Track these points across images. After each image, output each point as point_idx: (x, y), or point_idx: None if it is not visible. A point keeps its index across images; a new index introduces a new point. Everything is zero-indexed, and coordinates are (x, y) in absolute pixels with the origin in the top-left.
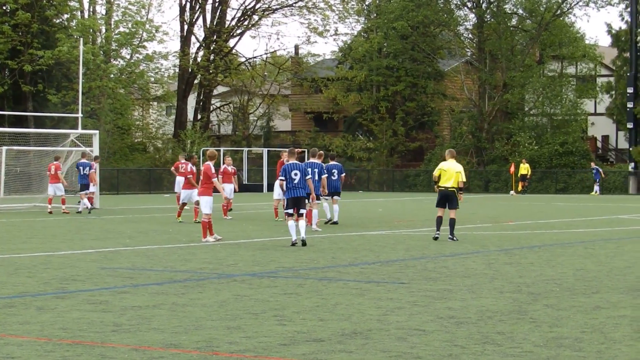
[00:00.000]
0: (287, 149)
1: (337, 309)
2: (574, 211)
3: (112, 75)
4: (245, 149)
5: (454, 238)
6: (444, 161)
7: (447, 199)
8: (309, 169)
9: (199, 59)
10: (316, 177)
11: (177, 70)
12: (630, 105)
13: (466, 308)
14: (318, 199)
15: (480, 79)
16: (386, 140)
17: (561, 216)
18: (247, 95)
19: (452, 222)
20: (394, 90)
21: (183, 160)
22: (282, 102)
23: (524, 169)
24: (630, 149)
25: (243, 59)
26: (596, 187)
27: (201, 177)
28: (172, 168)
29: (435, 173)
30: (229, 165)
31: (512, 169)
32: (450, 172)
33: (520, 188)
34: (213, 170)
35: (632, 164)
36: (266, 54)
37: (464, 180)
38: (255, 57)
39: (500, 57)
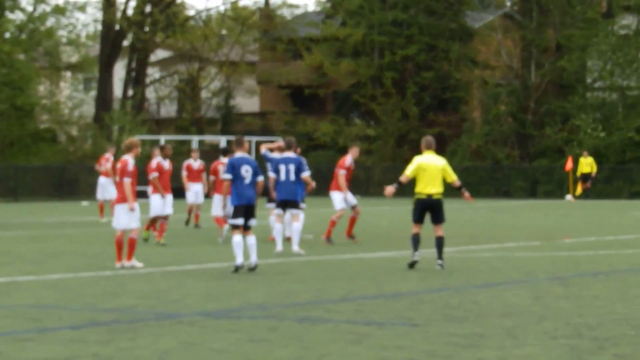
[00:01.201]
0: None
1: None
2: None
3: (6, 35)
4: (196, 138)
5: (443, 264)
6: (420, 155)
7: (431, 210)
8: (283, 165)
9: (129, 12)
10: (293, 177)
11: (99, 27)
12: None
13: (504, 359)
14: (294, 206)
15: (524, 39)
16: (393, 125)
17: (638, 231)
18: (198, 63)
19: (441, 242)
20: (404, 56)
21: (108, 155)
22: (247, 73)
23: (587, 164)
24: None
25: (192, 12)
26: None
27: (116, 178)
28: (98, 165)
29: (409, 173)
30: (195, 160)
31: (570, 164)
32: (433, 170)
33: (580, 191)
34: (131, 167)
35: None
36: (225, 4)
37: (455, 178)
38: (209, 9)
39: (553, 9)
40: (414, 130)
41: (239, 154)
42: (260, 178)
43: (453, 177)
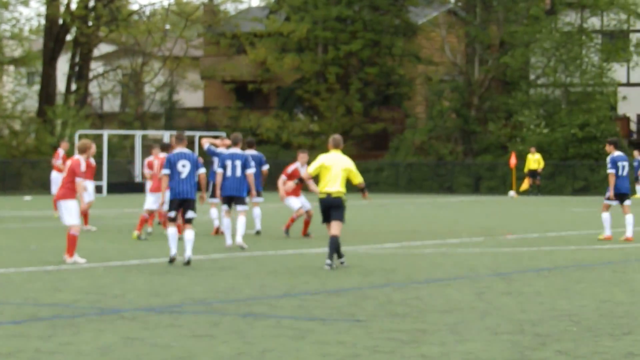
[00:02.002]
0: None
1: (267, 357)
2: (598, 220)
3: None
4: (139, 133)
5: (333, 264)
6: (326, 153)
7: (330, 208)
8: (230, 161)
9: (73, 6)
10: (239, 173)
11: (42, 21)
12: None
13: (447, 356)
14: (240, 202)
15: (468, 36)
16: (337, 120)
17: (580, 227)
18: (142, 58)
19: (335, 241)
20: (348, 51)
21: (60, 149)
22: (190, 67)
23: (535, 161)
24: None
25: (136, 6)
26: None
27: (64, 176)
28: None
29: (311, 171)
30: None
31: (513, 160)
32: (335, 170)
33: (526, 186)
34: (83, 168)
35: None
36: None
37: (361, 180)
38: (153, 4)
39: (497, 5)
40: (358, 125)
41: (177, 149)
42: (202, 171)
43: (359, 179)
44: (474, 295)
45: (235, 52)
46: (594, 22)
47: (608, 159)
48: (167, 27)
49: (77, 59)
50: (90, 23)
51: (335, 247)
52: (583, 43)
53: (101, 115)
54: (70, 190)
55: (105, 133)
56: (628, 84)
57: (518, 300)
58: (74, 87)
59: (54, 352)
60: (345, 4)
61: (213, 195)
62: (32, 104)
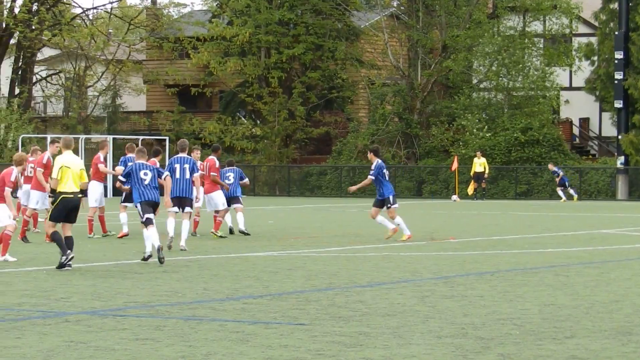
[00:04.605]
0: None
1: None
2: (540, 224)
3: None
4: (82, 137)
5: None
6: (61, 154)
7: (72, 210)
8: (178, 165)
9: (16, 10)
10: (187, 175)
11: None
12: (619, 76)
13: (390, 359)
14: (188, 204)
15: (410, 40)
16: (279, 124)
17: (523, 231)
18: (85, 62)
19: (72, 242)
20: (290, 55)
21: (32, 157)
22: (133, 71)
23: (480, 165)
24: (619, 137)
25: (79, 10)
26: (572, 191)
27: None
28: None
29: (56, 175)
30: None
31: (455, 164)
32: (75, 170)
33: (472, 191)
34: (13, 179)
35: (622, 158)
36: (112, 3)
37: (86, 180)
38: (96, 8)
39: (439, 9)
40: (301, 129)
41: (141, 161)
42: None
43: (86, 179)
44: (417, 298)
45: (178, 56)
46: (537, 26)
47: (373, 166)
48: (110, 31)
49: (20, 63)
50: (33, 27)
51: (73, 245)
52: (525, 47)
53: (44, 118)
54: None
55: (49, 137)
56: (570, 88)
57: (461, 303)
58: (17, 91)
59: None
60: (287, 7)
61: (125, 200)
62: None
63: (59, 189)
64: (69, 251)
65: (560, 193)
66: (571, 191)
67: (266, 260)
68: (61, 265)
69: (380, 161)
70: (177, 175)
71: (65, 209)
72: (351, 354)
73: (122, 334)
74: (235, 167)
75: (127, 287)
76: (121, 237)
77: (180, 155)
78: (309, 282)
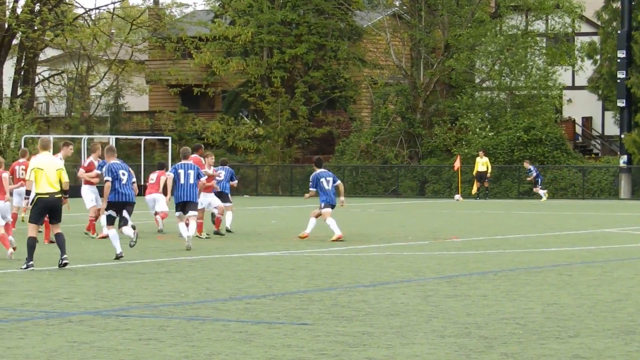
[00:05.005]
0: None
1: None
2: (543, 223)
3: None
4: (85, 137)
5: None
6: (36, 156)
7: (52, 209)
8: (182, 170)
9: (18, 10)
10: (191, 180)
11: None
12: (621, 75)
13: (393, 359)
14: (193, 208)
15: (413, 39)
16: (282, 124)
17: (526, 230)
18: (88, 62)
19: (63, 238)
20: (293, 55)
21: (23, 159)
22: (135, 71)
23: (482, 164)
24: (622, 136)
25: (81, 11)
26: (540, 190)
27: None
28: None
29: (29, 177)
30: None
31: (458, 164)
32: (51, 171)
33: (475, 190)
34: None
35: (625, 157)
36: (114, 3)
37: (67, 180)
38: (98, 8)
39: (441, 8)
40: (303, 129)
41: (113, 161)
42: (203, 178)
43: (66, 179)
44: (420, 298)
45: (181, 56)
46: (539, 25)
47: (312, 176)
48: (113, 31)
49: (23, 63)
50: (35, 27)
51: (65, 243)
52: (528, 46)
53: (47, 119)
54: None
55: (51, 137)
56: (573, 87)
57: (464, 303)
58: (19, 91)
59: (1, 357)
60: (290, 7)
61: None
62: None
63: (35, 190)
64: (65, 255)
65: (540, 192)
66: (540, 192)
67: (269, 260)
68: (27, 267)
69: (318, 171)
70: (182, 181)
71: (44, 209)
72: (354, 353)
73: (125, 334)
74: (227, 167)
75: (130, 287)
76: (101, 238)
77: (184, 162)
78: (312, 282)
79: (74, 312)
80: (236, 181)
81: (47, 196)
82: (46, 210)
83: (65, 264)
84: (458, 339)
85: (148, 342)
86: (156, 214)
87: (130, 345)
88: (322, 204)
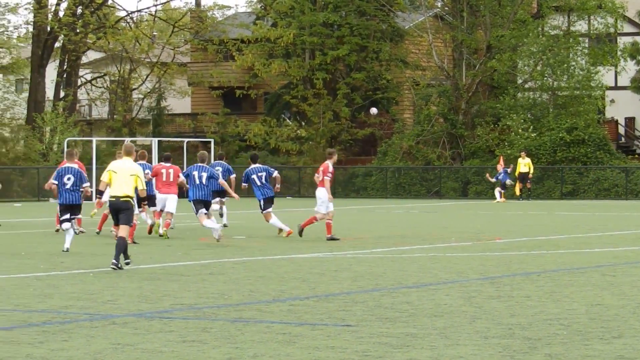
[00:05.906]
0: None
1: None
2: (586, 224)
3: None
4: (127, 139)
5: (119, 265)
6: (115, 160)
7: (118, 212)
8: (196, 172)
9: (61, 13)
10: (205, 181)
11: (30, 29)
12: None
13: None
14: (209, 206)
15: (455, 40)
16: (324, 126)
17: (569, 231)
18: (130, 65)
19: (121, 243)
20: (335, 57)
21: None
22: (178, 74)
23: (524, 165)
24: None
25: (123, 13)
26: (498, 194)
27: None
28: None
29: (104, 178)
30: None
31: (501, 164)
32: (124, 175)
33: (518, 192)
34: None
35: None
36: (156, 5)
37: (143, 188)
38: (140, 11)
39: (483, 9)
40: (345, 130)
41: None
42: (232, 175)
43: (142, 186)
44: (464, 299)
45: (223, 58)
46: (581, 25)
47: (244, 172)
48: (155, 33)
49: (65, 66)
50: (78, 30)
51: (122, 248)
52: (570, 47)
53: (90, 121)
54: None
55: (94, 140)
56: (616, 87)
57: (507, 304)
58: (62, 94)
59: (45, 358)
60: (331, 9)
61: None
62: (20, 111)
63: (109, 193)
64: (128, 259)
65: (497, 194)
66: (497, 193)
67: (312, 262)
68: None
69: (251, 167)
70: (197, 182)
71: (112, 211)
72: (398, 355)
73: (169, 336)
74: (223, 162)
75: (173, 289)
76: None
77: (199, 164)
78: (355, 284)
79: (118, 314)
80: (234, 175)
81: (114, 199)
82: (114, 212)
83: (113, 268)
84: (502, 340)
85: (192, 344)
86: (161, 211)
87: (173, 347)
88: (261, 201)
